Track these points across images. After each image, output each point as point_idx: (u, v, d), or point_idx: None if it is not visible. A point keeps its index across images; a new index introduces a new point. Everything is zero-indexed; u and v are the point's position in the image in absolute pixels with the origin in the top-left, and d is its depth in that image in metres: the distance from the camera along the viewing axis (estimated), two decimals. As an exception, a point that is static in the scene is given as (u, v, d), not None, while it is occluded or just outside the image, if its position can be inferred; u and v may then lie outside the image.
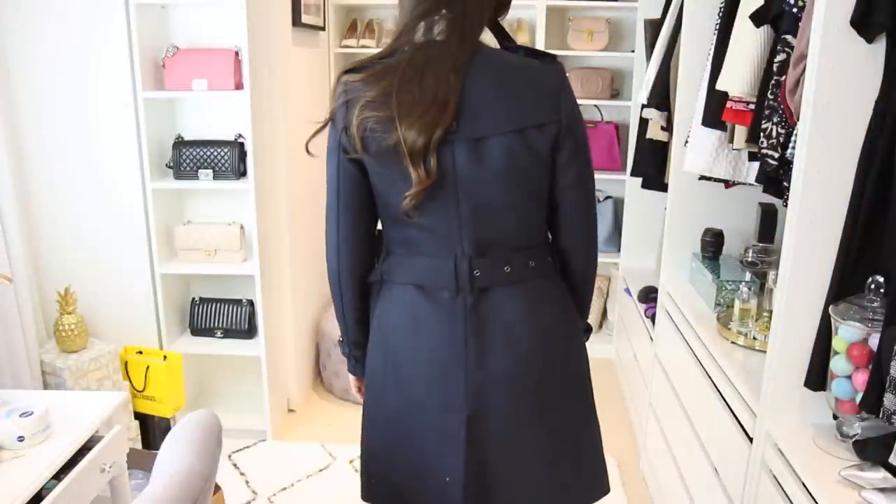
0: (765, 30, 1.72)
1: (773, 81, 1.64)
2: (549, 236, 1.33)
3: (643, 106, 2.77)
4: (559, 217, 1.28)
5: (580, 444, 1.35)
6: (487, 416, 1.24)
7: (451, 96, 1.13)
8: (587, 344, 1.39)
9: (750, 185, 2.09)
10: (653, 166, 2.82)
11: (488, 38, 1.23)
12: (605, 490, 1.38)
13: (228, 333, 2.76)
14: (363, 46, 3.47)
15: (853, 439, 1.24)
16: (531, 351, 1.25)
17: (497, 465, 1.26)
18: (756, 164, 1.95)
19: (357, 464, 2.58)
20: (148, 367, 2.54)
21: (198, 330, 2.78)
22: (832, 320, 1.26)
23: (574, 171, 1.24)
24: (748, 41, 1.76)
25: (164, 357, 2.56)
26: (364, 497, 1.38)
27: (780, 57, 1.60)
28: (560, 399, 1.30)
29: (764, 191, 1.84)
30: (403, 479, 1.31)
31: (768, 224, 2.11)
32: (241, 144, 2.59)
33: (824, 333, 1.29)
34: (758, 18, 1.70)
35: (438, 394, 1.24)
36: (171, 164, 2.59)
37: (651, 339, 2.54)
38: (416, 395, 1.26)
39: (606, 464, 1.40)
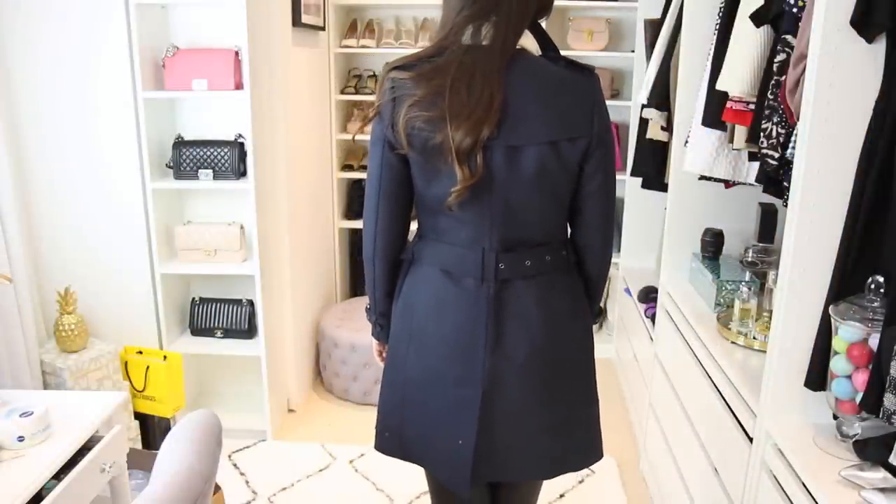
0: (765, 30, 1.72)
1: (773, 81, 1.64)
2: (568, 232, 1.43)
3: (643, 106, 2.77)
4: (581, 217, 1.39)
5: (580, 420, 1.47)
6: (500, 393, 1.36)
7: (496, 100, 1.21)
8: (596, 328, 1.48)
9: (750, 185, 2.09)
10: (653, 166, 2.82)
11: (529, 41, 1.30)
12: (598, 456, 1.51)
13: (228, 333, 2.76)
14: (363, 46, 3.48)
15: (853, 439, 1.24)
16: (543, 338, 1.36)
17: (504, 434, 1.38)
18: (756, 164, 1.95)
19: (357, 464, 2.60)
20: (148, 367, 2.54)
21: (198, 330, 2.78)
22: (832, 320, 1.26)
23: (600, 178, 1.34)
24: (748, 41, 1.76)
25: (164, 357, 2.56)
26: (377, 447, 1.51)
27: (780, 57, 1.60)
28: (565, 380, 1.42)
29: (764, 191, 1.84)
30: (416, 436, 1.44)
31: (768, 224, 2.11)
32: (241, 144, 2.59)
33: (824, 333, 1.29)
34: (758, 18, 1.70)
35: (457, 369, 1.36)
36: (171, 164, 2.59)
37: (651, 339, 2.54)
38: (435, 367, 1.38)
39: (601, 433, 1.52)
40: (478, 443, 1.36)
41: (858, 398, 1.21)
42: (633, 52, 3.34)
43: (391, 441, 1.48)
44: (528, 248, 1.34)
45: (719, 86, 1.89)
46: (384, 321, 1.48)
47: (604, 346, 3.57)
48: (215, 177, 2.57)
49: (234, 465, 2.61)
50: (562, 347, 1.40)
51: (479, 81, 1.21)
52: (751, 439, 1.50)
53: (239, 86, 2.51)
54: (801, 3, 1.52)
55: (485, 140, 1.22)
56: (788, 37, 1.57)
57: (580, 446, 1.48)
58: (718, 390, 1.74)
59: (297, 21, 2.83)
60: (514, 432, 1.39)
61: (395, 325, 1.45)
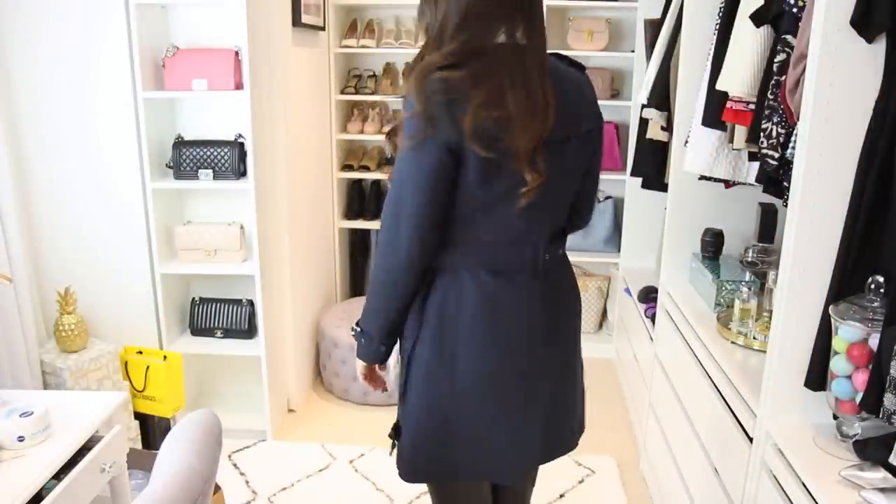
0: (765, 30, 1.72)
1: (773, 81, 1.64)
2: None
3: (643, 106, 2.77)
4: (579, 202, 1.46)
5: (580, 392, 1.57)
6: (556, 379, 1.43)
7: (550, 98, 1.25)
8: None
9: (750, 185, 2.09)
10: (653, 166, 2.82)
11: None
12: (583, 427, 1.60)
13: (228, 333, 2.76)
14: (363, 46, 3.47)
15: (853, 439, 1.24)
16: (573, 321, 1.47)
17: (554, 418, 1.45)
18: (756, 164, 1.95)
19: (357, 464, 2.59)
20: (148, 367, 2.54)
21: (198, 330, 2.78)
22: (832, 320, 1.26)
23: (597, 166, 1.47)
24: (748, 41, 1.76)
25: (164, 357, 2.56)
26: (408, 477, 1.45)
27: (780, 57, 1.60)
28: (577, 359, 1.52)
29: (764, 191, 1.84)
30: (466, 448, 1.39)
31: (768, 224, 2.11)
32: (241, 144, 2.59)
33: (824, 333, 1.29)
34: (758, 18, 1.70)
35: (520, 364, 1.37)
36: (171, 164, 2.59)
37: (651, 339, 2.54)
38: (495, 368, 1.36)
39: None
40: (545, 433, 1.42)
41: (858, 398, 1.21)
42: (633, 52, 3.34)
43: (430, 465, 1.42)
44: (560, 237, 1.41)
45: (719, 86, 1.89)
46: (390, 341, 1.40)
47: (604, 346, 3.57)
48: (215, 177, 2.57)
49: (234, 465, 2.61)
50: (578, 329, 1.51)
51: (536, 81, 1.24)
52: (751, 439, 1.50)
53: (239, 86, 2.51)
54: (801, 3, 1.52)
55: (544, 140, 1.25)
56: (788, 37, 1.57)
57: (579, 419, 1.57)
58: (718, 390, 1.74)
59: (297, 21, 2.83)
60: (558, 415, 1.46)
61: (425, 341, 1.36)
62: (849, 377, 1.25)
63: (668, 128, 2.61)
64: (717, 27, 2.04)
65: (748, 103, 1.81)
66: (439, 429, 1.39)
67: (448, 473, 1.44)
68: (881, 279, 1.21)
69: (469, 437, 1.38)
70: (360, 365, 1.46)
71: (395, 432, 1.46)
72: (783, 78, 1.57)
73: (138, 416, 2.59)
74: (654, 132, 2.72)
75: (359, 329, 1.41)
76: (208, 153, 2.56)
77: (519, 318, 1.35)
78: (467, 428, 1.38)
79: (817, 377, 1.32)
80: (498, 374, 1.35)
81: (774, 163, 1.63)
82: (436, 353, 1.36)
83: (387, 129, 3.52)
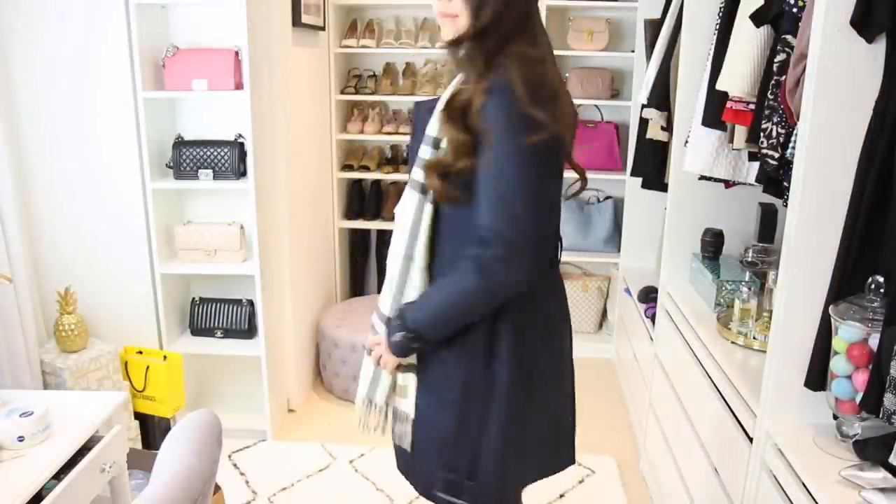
0: (765, 30, 1.72)
1: (773, 81, 1.64)
2: None
3: (643, 106, 2.77)
4: None
5: None
6: (571, 362, 1.47)
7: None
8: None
9: (750, 185, 2.09)
10: (653, 166, 2.82)
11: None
12: None
13: (228, 333, 2.76)
14: (363, 46, 3.47)
15: (853, 439, 1.24)
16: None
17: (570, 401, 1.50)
18: (756, 164, 1.95)
19: (357, 464, 2.59)
20: (148, 367, 2.54)
21: (198, 330, 2.78)
22: (832, 320, 1.26)
23: None
24: (748, 41, 1.76)
25: (164, 357, 2.56)
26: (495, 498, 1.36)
27: (780, 57, 1.61)
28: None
29: (764, 191, 1.84)
30: (537, 453, 1.40)
31: (768, 224, 2.11)
32: (241, 144, 2.59)
33: (824, 333, 1.29)
34: (758, 18, 1.70)
35: (562, 356, 1.43)
36: (171, 164, 2.59)
37: (651, 339, 2.54)
38: (565, 362, 1.43)
39: None
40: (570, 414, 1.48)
41: (858, 398, 1.21)
42: (633, 52, 3.34)
43: (511, 478, 1.37)
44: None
45: (719, 86, 1.89)
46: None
47: (604, 346, 3.56)
48: (215, 177, 2.57)
49: (234, 465, 2.60)
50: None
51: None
52: (751, 439, 1.50)
53: (239, 86, 2.51)
54: (801, 3, 1.52)
55: None
56: (788, 37, 1.57)
57: None
58: (718, 390, 1.74)
59: (297, 21, 2.83)
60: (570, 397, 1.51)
61: (501, 358, 1.27)
62: (849, 377, 1.25)
63: (668, 128, 2.61)
64: (717, 27, 2.04)
65: (748, 103, 1.81)
66: (520, 443, 1.33)
67: (528, 476, 1.44)
68: (881, 279, 1.21)
69: (536, 444, 1.38)
70: (392, 360, 1.32)
71: (469, 477, 1.32)
72: (783, 78, 1.57)
73: (138, 416, 2.59)
74: (654, 132, 2.72)
75: (411, 335, 1.26)
76: (208, 153, 2.57)
77: (558, 310, 1.41)
78: (535, 435, 1.36)
79: (817, 377, 1.32)
80: (552, 371, 1.38)
81: (774, 163, 1.63)
82: (510, 368, 1.27)
83: (396, 128, 3.50)
